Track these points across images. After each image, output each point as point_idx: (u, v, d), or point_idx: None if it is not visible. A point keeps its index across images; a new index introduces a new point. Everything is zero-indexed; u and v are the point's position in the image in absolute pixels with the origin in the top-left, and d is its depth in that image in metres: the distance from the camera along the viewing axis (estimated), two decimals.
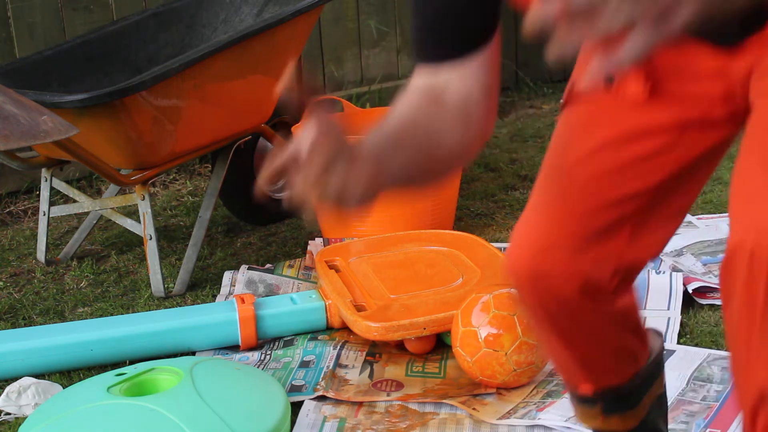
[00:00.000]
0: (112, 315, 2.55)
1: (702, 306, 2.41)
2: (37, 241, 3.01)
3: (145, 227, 2.70)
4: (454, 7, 1.22)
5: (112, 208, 2.88)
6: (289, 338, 2.37)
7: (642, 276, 2.43)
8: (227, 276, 2.72)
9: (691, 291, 2.43)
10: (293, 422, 1.98)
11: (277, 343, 2.36)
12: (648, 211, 1.31)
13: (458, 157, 1.26)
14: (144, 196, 2.69)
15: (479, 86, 1.23)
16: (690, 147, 1.29)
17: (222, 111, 2.83)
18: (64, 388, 2.15)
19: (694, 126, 1.28)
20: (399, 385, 2.14)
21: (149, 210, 2.70)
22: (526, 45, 3.90)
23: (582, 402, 1.50)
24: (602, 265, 1.30)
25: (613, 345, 1.42)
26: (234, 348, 2.35)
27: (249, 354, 2.32)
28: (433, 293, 2.32)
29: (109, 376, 1.99)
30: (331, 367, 2.19)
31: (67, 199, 3.29)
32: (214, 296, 2.67)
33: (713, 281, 2.48)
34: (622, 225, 1.30)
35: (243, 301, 2.35)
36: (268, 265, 2.75)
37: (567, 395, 1.64)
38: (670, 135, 1.28)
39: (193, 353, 2.34)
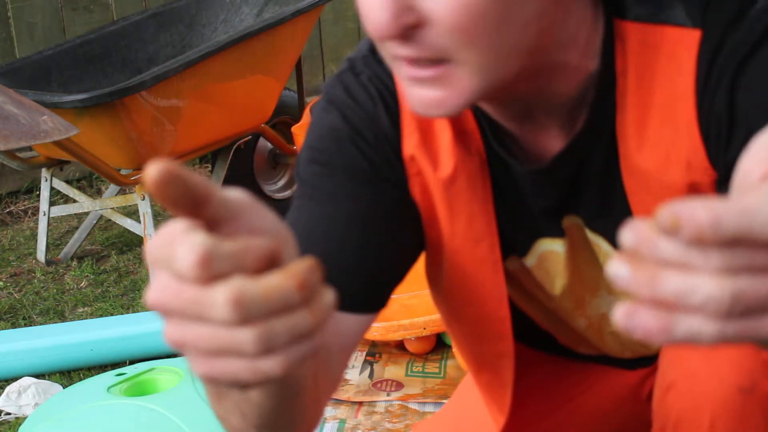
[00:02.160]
0: (112, 315, 2.55)
1: None
2: (37, 241, 3.00)
3: (145, 227, 2.70)
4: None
5: (112, 208, 2.88)
6: None
7: None
8: None
9: None
10: None
11: None
12: None
13: None
14: (144, 196, 2.69)
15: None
16: None
17: (222, 111, 2.83)
18: (64, 388, 2.15)
19: None
20: (399, 385, 2.14)
21: (149, 210, 2.70)
22: None
23: None
24: None
25: None
26: None
27: None
28: None
29: (109, 376, 1.99)
30: None
31: (67, 199, 3.29)
32: None
33: None
34: None
35: None
36: None
37: None
38: None
39: None
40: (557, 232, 1.08)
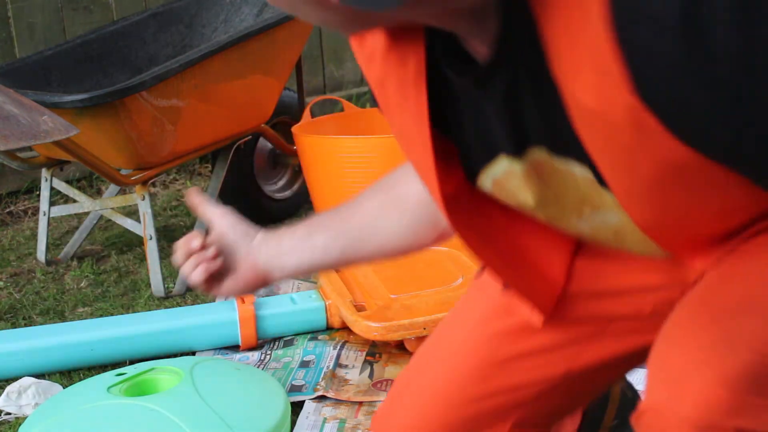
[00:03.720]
0: (112, 315, 2.55)
1: None
2: (37, 241, 3.01)
3: (145, 227, 2.70)
4: None
5: (113, 208, 2.88)
6: (289, 338, 2.37)
7: None
8: None
9: None
10: (293, 422, 1.98)
11: (277, 343, 2.36)
12: (538, 400, 1.28)
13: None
14: (144, 196, 2.69)
15: None
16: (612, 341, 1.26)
17: (222, 111, 2.83)
18: (64, 388, 2.15)
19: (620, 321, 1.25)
20: None
21: (149, 210, 2.70)
22: None
23: None
24: None
25: None
26: (234, 348, 2.35)
27: (249, 354, 2.32)
28: (433, 293, 2.32)
29: (109, 376, 1.99)
30: (331, 367, 2.19)
31: (67, 199, 3.29)
32: (214, 296, 2.66)
33: None
34: (504, 415, 1.28)
35: (243, 301, 2.35)
36: None
37: None
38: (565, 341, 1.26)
39: (193, 353, 2.34)
40: (516, 152, 1.04)
